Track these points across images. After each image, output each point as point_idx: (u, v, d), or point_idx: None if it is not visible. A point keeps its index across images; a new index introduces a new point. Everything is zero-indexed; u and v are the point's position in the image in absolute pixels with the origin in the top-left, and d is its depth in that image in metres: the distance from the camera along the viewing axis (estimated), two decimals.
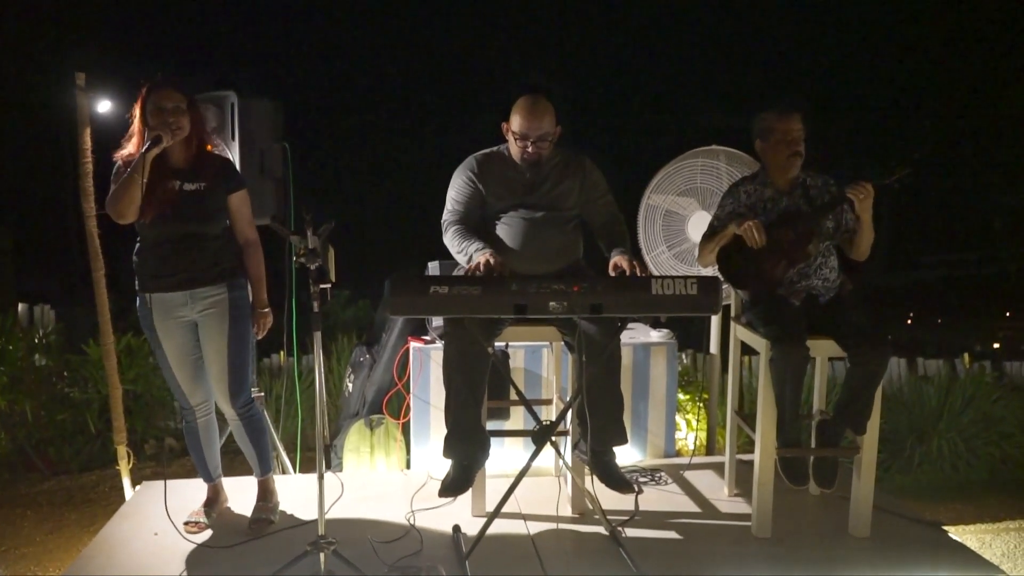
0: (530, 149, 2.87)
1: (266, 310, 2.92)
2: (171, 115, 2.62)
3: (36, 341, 4.77)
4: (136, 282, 2.78)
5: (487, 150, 3.04)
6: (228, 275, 2.80)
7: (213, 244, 2.76)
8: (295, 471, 3.76)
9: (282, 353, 5.24)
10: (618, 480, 2.85)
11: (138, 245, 2.77)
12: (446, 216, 2.96)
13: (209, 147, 2.87)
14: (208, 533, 2.89)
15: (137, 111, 2.66)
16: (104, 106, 3.28)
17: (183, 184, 2.70)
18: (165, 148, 2.60)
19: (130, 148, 2.68)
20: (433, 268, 3.71)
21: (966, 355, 5.89)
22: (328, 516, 2.54)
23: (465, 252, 2.81)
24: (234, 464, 3.13)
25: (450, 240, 2.89)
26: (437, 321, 3.63)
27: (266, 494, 3.06)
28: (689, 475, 3.53)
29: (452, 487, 2.84)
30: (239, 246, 2.85)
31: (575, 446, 2.95)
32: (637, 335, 3.97)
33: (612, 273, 2.78)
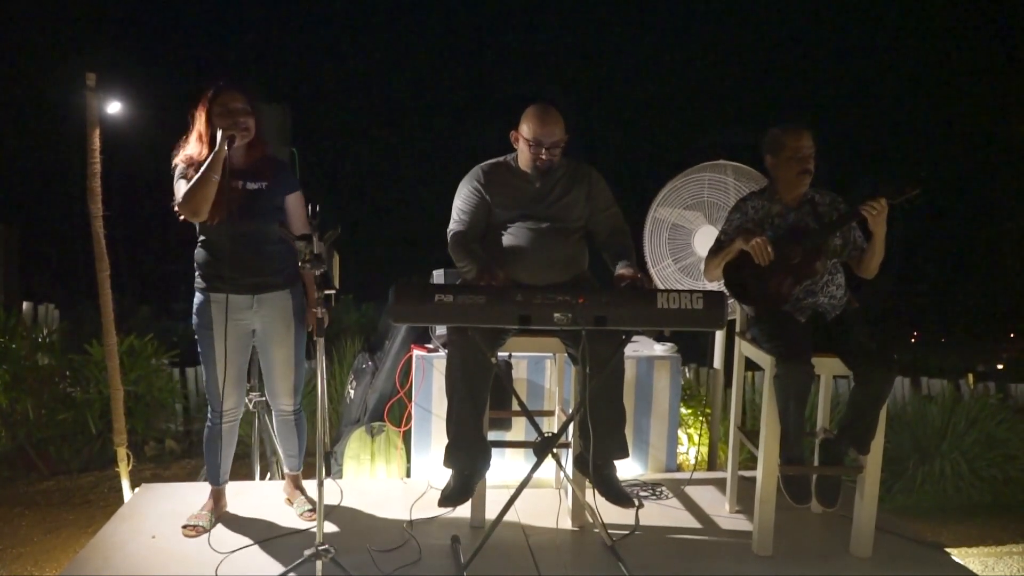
0: (543, 156, 2.87)
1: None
2: (240, 115, 2.69)
3: (39, 340, 4.77)
4: (197, 279, 2.82)
5: (494, 160, 3.03)
6: (292, 281, 2.89)
7: (277, 247, 2.82)
8: None
9: None
10: (619, 494, 2.83)
11: (200, 246, 2.81)
12: (452, 226, 2.96)
13: None
14: (206, 537, 2.88)
15: (201, 115, 2.71)
16: (114, 107, 3.29)
17: (246, 183, 2.76)
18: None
19: (190, 150, 2.73)
20: (438, 276, 3.71)
21: (970, 375, 5.88)
22: (327, 523, 2.53)
23: (463, 263, 2.84)
24: (233, 469, 3.12)
25: (453, 252, 2.90)
26: (440, 329, 3.62)
27: (303, 488, 3.19)
28: (690, 490, 3.51)
29: (452, 497, 2.83)
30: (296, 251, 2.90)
31: (576, 458, 2.94)
32: (641, 348, 3.96)
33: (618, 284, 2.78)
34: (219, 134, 2.63)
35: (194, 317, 2.84)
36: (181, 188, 2.67)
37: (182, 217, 2.71)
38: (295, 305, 2.89)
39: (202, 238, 2.81)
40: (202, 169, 2.60)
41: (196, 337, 2.86)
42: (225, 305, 2.74)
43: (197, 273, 2.83)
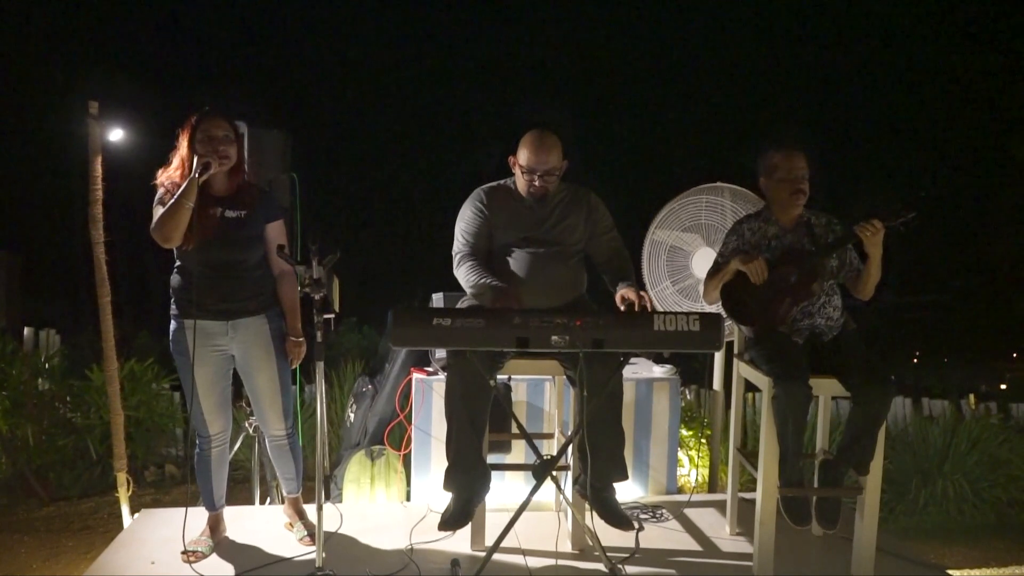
0: (536, 183, 2.88)
1: (300, 339, 2.95)
2: (221, 143, 2.68)
3: (40, 366, 4.77)
4: (172, 307, 2.81)
5: (494, 183, 3.06)
6: (267, 306, 2.86)
7: (252, 274, 2.81)
8: None
9: None
10: (618, 516, 2.83)
11: (176, 271, 2.80)
12: (457, 248, 2.96)
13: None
14: (206, 563, 2.87)
15: (184, 139, 2.70)
16: (116, 134, 3.32)
17: (225, 211, 2.74)
18: (208, 177, 2.65)
19: (171, 174, 2.71)
20: (437, 300, 3.72)
21: (972, 396, 5.86)
22: (326, 548, 2.52)
23: (478, 287, 2.81)
24: (233, 493, 3.12)
25: (464, 274, 2.88)
26: (440, 353, 3.63)
27: (303, 512, 3.16)
28: (690, 512, 3.50)
29: (452, 520, 2.82)
30: (274, 278, 2.90)
31: (576, 481, 2.94)
32: (640, 370, 3.97)
33: (620, 305, 2.78)
34: (195, 161, 2.62)
35: (171, 344, 2.82)
36: (157, 214, 2.66)
37: (171, 245, 2.68)
38: (272, 329, 2.86)
39: (178, 264, 2.80)
40: (175, 196, 2.59)
41: (176, 365, 2.85)
42: (200, 332, 2.73)
43: (172, 300, 2.82)
